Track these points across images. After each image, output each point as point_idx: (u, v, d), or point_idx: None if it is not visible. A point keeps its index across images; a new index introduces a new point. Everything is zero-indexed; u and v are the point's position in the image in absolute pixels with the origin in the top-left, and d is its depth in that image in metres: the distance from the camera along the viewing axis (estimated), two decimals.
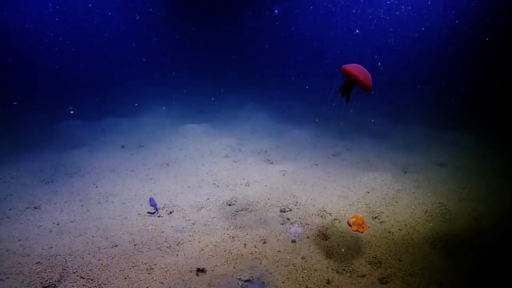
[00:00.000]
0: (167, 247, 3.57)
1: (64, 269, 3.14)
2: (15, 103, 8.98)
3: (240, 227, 3.99)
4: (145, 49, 16.51)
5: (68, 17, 14.84)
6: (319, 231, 3.95)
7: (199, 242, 3.69)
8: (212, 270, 3.26)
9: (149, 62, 15.44)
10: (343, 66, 3.30)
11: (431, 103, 10.98)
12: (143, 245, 3.58)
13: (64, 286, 2.96)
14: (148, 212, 4.26)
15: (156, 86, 12.78)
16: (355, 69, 3.25)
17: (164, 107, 9.75)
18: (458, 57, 12.71)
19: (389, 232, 4.00)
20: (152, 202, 4.38)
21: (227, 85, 13.42)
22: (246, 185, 5.05)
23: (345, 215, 4.29)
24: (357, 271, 3.35)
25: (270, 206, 4.47)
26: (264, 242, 3.73)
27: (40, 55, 13.12)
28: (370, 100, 11.12)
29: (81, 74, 12.96)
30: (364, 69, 3.30)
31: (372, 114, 9.69)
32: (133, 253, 3.44)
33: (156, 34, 17.00)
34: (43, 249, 3.41)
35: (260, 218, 4.19)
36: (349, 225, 4.08)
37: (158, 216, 4.20)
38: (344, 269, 3.37)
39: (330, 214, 4.33)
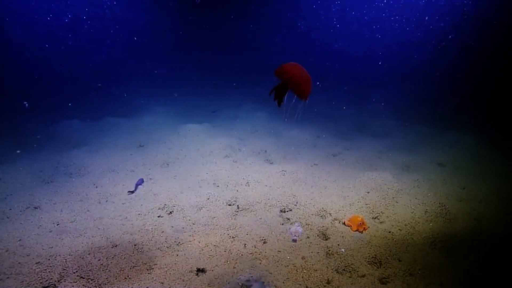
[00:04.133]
0: (167, 247, 3.57)
1: (64, 269, 3.14)
2: (26, 103, 9.08)
3: (240, 227, 3.99)
4: (145, 49, 16.53)
5: (68, 17, 14.85)
6: (319, 231, 3.95)
7: (199, 242, 3.68)
8: (212, 270, 3.25)
9: (148, 62, 15.46)
10: (278, 67, 2.76)
11: (431, 103, 10.99)
12: (143, 245, 3.58)
13: (64, 286, 2.96)
14: (129, 191, 4.67)
15: (156, 86, 12.78)
16: (291, 70, 2.75)
17: (163, 107, 9.75)
18: (458, 56, 12.71)
19: (389, 232, 4.00)
20: (138, 182, 4.71)
21: (226, 85, 13.42)
22: (246, 185, 5.05)
23: (345, 215, 4.29)
24: (357, 271, 3.34)
25: (270, 206, 4.47)
26: (264, 242, 3.72)
27: (40, 55, 13.13)
28: (369, 100, 11.15)
29: (81, 74, 12.97)
30: (303, 70, 2.82)
31: (372, 114, 9.70)
32: (133, 253, 3.44)
33: (156, 34, 17.02)
34: (43, 249, 3.41)
35: (260, 218, 4.19)
36: (346, 226, 4.08)
37: (131, 192, 4.64)
38: (344, 269, 3.37)
39: (330, 214, 4.33)
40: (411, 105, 10.68)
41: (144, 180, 5.00)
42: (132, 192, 4.71)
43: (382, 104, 10.75)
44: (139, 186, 4.72)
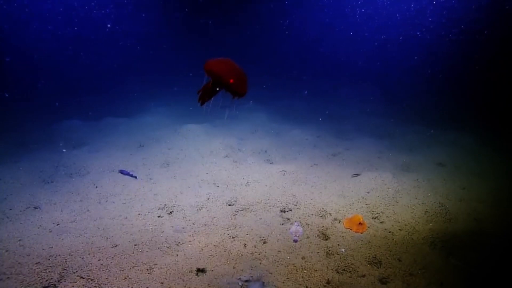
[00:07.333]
0: (167, 247, 3.57)
1: (64, 269, 3.14)
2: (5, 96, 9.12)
3: (240, 227, 3.99)
4: (145, 48, 16.54)
5: (68, 16, 14.84)
6: (319, 231, 3.95)
7: (199, 242, 3.69)
8: (212, 270, 3.26)
9: (148, 62, 15.47)
10: (207, 62, 2.47)
11: (431, 103, 10.99)
12: (143, 245, 3.58)
13: (64, 286, 2.96)
14: (131, 176, 5.01)
15: (156, 86, 12.78)
16: (219, 69, 2.47)
17: (163, 107, 9.75)
18: (457, 56, 12.71)
19: (389, 232, 4.00)
20: (124, 172, 5.03)
21: None
22: (246, 185, 5.05)
23: (345, 215, 4.29)
24: (357, 271, 3.35)
25: (270, 206, 4.47)
26: (264, 242, 3.73)
27: (40, 54, 13.13)
28: (370, 100, 11.15)
29: (81, 74, 12.97)
30: (234, 68, 2.55)
31: (372, 114, 9.70)
32: (133, 253, 3.44)
33: (157, 33, 17.03)
34: (43, 249, 3.41)
35: (260, 218, 4.19)
36: (346, 228, 4.07)
37: (133, 176, 4.95)
38: (344, 269, 3.37)
39: (330, 214, 4.33)
40: (411, 105, 10.68)
41: (138, 177, 5.19)
42: (129, 173, 4.99)
43: (382, 104, 10.75)
44: (133, 174, 5.02)
